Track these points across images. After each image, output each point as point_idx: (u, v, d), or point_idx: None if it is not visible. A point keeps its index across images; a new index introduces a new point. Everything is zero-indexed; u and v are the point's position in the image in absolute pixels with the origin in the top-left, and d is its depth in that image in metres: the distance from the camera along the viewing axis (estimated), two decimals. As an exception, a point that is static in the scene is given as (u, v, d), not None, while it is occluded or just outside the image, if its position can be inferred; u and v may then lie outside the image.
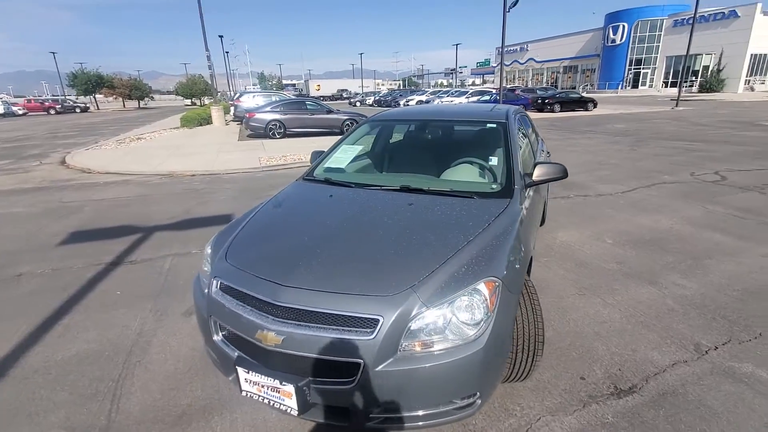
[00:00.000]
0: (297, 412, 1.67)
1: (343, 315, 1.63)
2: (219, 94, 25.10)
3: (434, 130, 3.41)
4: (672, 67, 44.30)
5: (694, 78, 40.94)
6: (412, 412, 1.66)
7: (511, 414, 2.09)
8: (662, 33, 44.43)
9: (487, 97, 25.46)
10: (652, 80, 46.17)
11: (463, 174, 2.90)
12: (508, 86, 23.64)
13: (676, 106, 24.93)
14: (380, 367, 1.57)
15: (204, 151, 11.77)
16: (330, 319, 1.64)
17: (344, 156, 3.21)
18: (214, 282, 1.96)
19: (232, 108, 23.39)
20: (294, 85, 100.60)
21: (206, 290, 2.07)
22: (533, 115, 22.94)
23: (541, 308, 2.13)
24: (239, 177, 8.55)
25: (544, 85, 45.95)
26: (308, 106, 15.66)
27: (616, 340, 2.68)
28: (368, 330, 1.59)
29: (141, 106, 54.07)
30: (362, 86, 67.03)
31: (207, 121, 20.96)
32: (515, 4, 20.91)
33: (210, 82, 23.01)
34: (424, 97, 32.95)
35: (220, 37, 43.52)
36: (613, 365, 2.44)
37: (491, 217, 2.17)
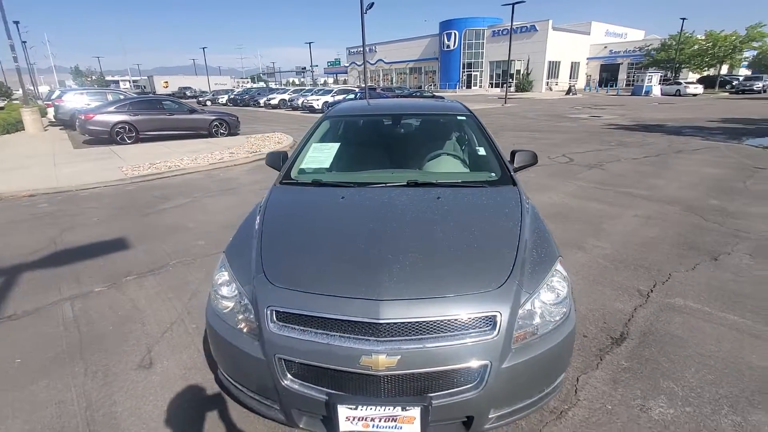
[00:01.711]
0: (420, 437, 1.49)
1: (459, 318, 1.51)
2: (22, 92, 19.75)
3: (406, 124, 3.38)
4: (494, 71, 52.64)
5: (511, 80, 49.32)
6: (522, 402, 1.65)
7: (556, 382, 2.26)
8: (485, 41, 52.30)
9: (352, 96, 26.04)
10: (481, 81, 54.03)
11: (449, 165, 2.96)
12: (365, 85, 24.62)
13: (505, 103, 29.76)
14: (505, 365, 1.52)
15: (32, 164, 9.21)
16: (446, 325, 1.51)
17: (320, 155, 2.92)
18: (268, 313, 1.59)
19: (50, 110, 18.77)
20: (117, 81, 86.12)
21: (241, 326, 1.67)
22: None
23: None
24: (103, 193, 6.97)
25: (396, 85, 49.39)
26: (165, 105, 13.61)
27: (587, 299, 3.12)
28: (488, 328, 1.52)
29: None
30: (209, 83, 61.34)
31: (15, 127, 16.38)
32: (371, 6, 21.88)
33: (18, 79, 17.92)
34: (286, 96, 31.92)
35: (16, 23, 34.17)
36: (598, 320, 2.84)
37: (516, 203, 2.28)
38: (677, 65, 41.73)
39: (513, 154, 2.96)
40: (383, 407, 1.46)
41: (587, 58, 54.63)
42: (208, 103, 38.50)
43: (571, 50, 51.26)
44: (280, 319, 1.59)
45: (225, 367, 1.82)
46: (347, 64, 74.73)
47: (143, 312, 3.11)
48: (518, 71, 49.64)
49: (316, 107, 26.16)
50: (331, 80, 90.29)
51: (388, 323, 1.48)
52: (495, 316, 1.53)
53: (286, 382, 1.56)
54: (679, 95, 34.70)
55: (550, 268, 1.76)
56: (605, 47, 53.04)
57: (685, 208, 5.27)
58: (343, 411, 1.48)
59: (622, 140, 11.59)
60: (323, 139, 3.11)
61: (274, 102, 32.30)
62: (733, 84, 37.72)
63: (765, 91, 35.05)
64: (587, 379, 2.27)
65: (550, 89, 49.35)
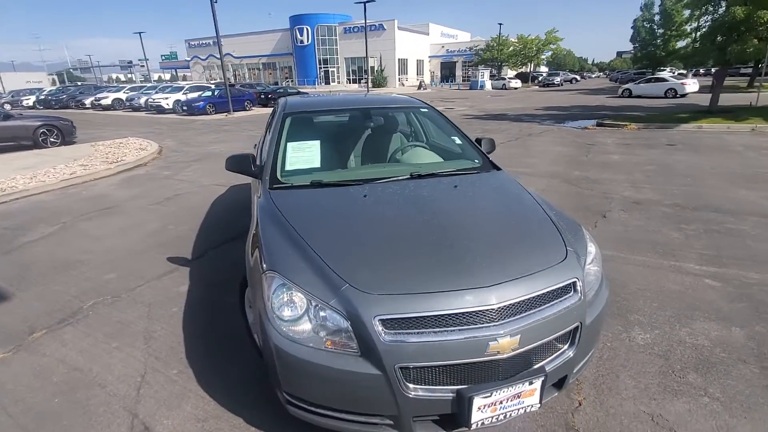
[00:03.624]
0: (539, 406, 1.61)
1: (552, 289, 1.66)
2: None
3: (375, 119, 3.32)
4: (350, 67, 54.21)
5: (367, 75, 51.71)
6: (587, 356, 1.90)
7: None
8: (338, 38, 53.32)
9: (208, 93, 23.71)
10: (338, 77, 55.04)
11: (427, 155, 3.08)
12: (225, 81, 22.67)
13: (368, 97, 31.09)
14: (588, 321, 1.74)
15: None
16: (544, 298, 1.64)
17: (301, 155, 2.70)
18: (377, 323, 1.48)
19: None
20: None
21: (327, 344, 1.54)
22: (261, 109, 23.33)
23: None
24: None
25: (255, 81, 46.80)
26: (-38, 111, 10.36)
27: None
28: (573, 293, 1.71)
29: None
30: (2, 82, 48.18)
31: None
32: (221, -6, 20.16)
33: None
34: (123, 95, 27.29)
35: None
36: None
37: (517, 185, 2.54)
38: (499, 63, 49.54)
39: (479, 141, 3.23)
40: (511, 387, 1.53)
41: (429, 56, 60.59)
42: (7, 106, 30.28)
43: (415, 49, 56.13)
44: (390, 327, 1.50)
45: (311, 395, 1.61)
46: (188, 58, 67.48)
47: (89, 372, 2.44)
48: (372, 68, 52.15)
49: (166, 107, 23.10)
50: (167, 76, 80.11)
51: (500, 307, 1.55)
52: (575, 281, 1.74)
53: (410, 391, 1.49)
54: (505, 89, 41.35)
55: (583, 234, 2.05)
56: (443, 47, 59.62)
57: (563, 180, 6.47)
58: (477, 401, 1.49)
59: (483, 128, 13.35)
60: (293, 138, 2.88)
61: (106, 102, 27.30)
62: (540, 79, 46.71)
63: (561, 85, 44.39)
64: (581, 327, 2.70)
65: (402, 84, 53.31)
